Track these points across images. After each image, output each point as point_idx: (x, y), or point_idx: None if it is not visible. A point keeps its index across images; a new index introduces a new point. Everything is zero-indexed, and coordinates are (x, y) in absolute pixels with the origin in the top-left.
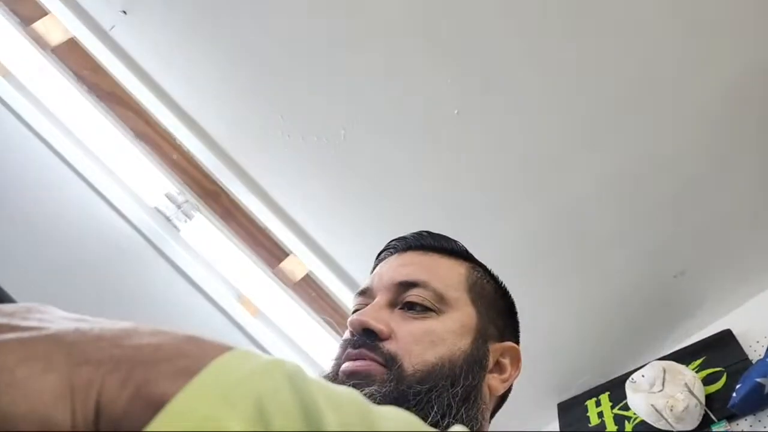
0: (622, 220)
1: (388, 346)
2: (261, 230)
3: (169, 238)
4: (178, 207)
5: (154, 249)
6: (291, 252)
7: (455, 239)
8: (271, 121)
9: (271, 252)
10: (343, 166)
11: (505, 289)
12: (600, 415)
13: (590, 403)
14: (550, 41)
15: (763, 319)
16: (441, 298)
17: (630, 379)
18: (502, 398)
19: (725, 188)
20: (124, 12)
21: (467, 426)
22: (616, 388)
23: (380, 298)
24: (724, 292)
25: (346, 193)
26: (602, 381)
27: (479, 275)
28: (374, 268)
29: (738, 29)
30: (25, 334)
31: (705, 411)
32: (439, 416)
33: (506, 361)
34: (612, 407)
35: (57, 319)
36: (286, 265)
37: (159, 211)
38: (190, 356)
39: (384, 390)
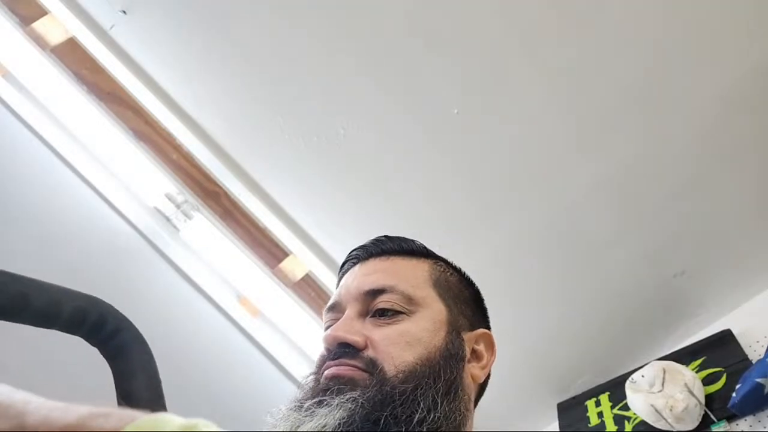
0: (622, 220)
1: (368, 353)
2: (261, 230)
3: (169, 239)
4: (178, 207)
5: (153, 249)
6: (291, 252)
7: (413, 239)
8: (270, 121)
9: (271, 252)
10: (343, 165)
11: (469, 278)
12: (600, 415)
13: (590, 404)
14: (550, 42)
15: (763, 319)
16: (410, 299)
17: (630, 379)
18: (483, 385)
19: (725, 188)
20: (124, 12)
21: (450, 418)
22: (615, 388)
23: (350, 310)
24: (724, 292)
25: (346, 192)
26: (602, 381)
27: (442, 269)
28: (339, 281)
29: (736, 30)
30: None
31: (705, 411)
32: (425, 412)
33: (481, 348)
34: (612, 407)
35: None
36: (285, 265)
37: (158, 211)
38: None
39: (368, 394)
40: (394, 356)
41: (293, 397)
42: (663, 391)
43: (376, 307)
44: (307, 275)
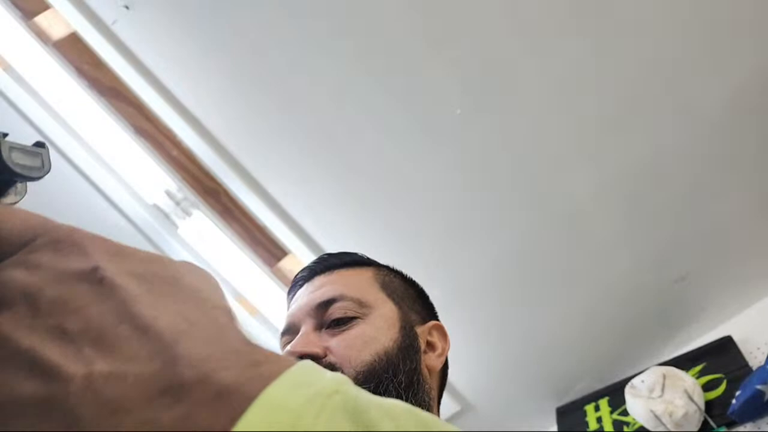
0: (623, 225)
1: (327, 359)
2: (260, 229)
3: (167, 235)
4: (177, 204)
5: (151, 245)
6: (290, 251)
7: (354, 251)
8: (271, 120)
9: (270, 251)
10: (343, 165)
11: (411, 279)
12: (599, 420)
13: (589, 408)
14: (553, 42)
15: (764, 326)
16: (360, 303)
17: (629, 384)
18: (444, 374)
19: (727, 194)
20: (126, 7)
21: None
22: (615, 394)
23: (305, 327)
24: (725, 298)
25: (346, 192)
26: (601, 386)
27: (385, 274)
28: (288, 306)
29: (741, 32)
30: None
31: (704, 417)
32: None
33: (435, 339)
34: (611, 412)
35: None
36: (284, 264)
37: (157, 207)
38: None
39: None
40: (352, 358)
41: None
42: (663, 396)
43: (330, 317)
44: None
